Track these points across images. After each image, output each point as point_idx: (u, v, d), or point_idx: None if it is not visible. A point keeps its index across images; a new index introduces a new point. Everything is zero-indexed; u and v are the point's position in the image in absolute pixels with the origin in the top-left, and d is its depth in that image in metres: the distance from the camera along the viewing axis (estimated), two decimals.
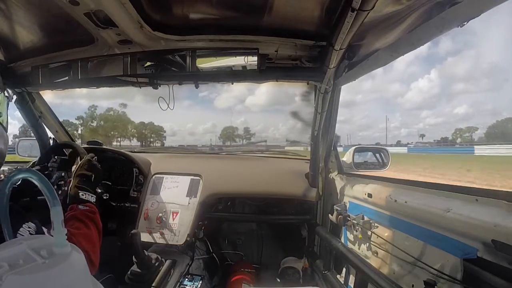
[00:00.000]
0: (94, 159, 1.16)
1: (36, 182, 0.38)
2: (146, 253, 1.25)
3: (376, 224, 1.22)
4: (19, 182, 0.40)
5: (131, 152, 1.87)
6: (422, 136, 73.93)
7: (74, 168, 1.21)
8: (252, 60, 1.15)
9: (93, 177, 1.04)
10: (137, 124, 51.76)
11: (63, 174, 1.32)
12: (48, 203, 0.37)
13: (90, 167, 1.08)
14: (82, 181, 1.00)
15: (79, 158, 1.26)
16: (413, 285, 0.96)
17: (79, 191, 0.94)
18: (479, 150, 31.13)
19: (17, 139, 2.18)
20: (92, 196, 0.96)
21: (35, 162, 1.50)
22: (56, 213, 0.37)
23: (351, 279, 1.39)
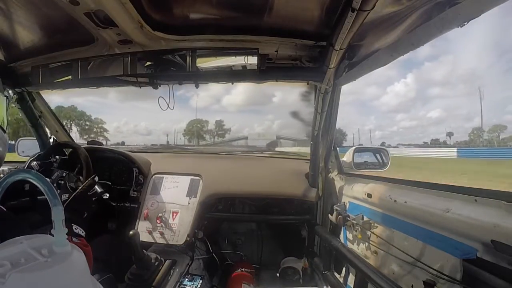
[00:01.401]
0: (95, 179, 1.20)
1: (35, 182, 0.38)
2: (145, 253, 1.25)
3: (375, 224, 1.22)
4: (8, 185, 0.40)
5: (131, 152, 1.87)
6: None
7: (74, 184, 1.24)
8: (252, 60, 1.15)
9: (85, 214, 1.08)
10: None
11: (64, 174, 1.33)
12: (49, 203, 0.37)
13: (86, 202, 1.13)
14: (75, 215, 1.04)
15: (83, 174, 1.29)
16: (412, 285, 0.96)
17: (73, 224, 0.97)
18: None
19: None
20: (83, 232, 1.00)
21: (31, 159, 1.50)
22: (57, 213, 0.37)
23: (351, 279, 1.39)
